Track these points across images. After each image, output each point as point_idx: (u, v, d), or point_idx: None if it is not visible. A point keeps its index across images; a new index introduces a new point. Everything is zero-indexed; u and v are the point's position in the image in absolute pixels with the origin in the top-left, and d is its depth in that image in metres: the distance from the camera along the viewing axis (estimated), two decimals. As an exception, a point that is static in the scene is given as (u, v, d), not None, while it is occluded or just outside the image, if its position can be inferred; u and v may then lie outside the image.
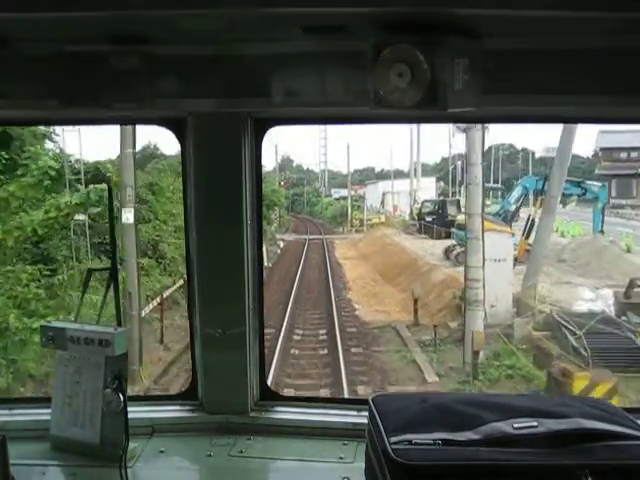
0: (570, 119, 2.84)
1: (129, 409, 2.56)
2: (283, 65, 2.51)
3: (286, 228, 54.48)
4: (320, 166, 73.57)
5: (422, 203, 39.21)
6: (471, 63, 2.15)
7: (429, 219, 35.27)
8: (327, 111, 2.82)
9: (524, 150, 65.88)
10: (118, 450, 2.51)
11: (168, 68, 2.48)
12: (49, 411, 2.76)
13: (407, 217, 43.80)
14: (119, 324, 2.78)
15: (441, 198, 41.94)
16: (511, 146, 65.40)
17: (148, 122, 3.10)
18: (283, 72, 2.53)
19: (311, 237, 46.14)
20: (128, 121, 2.86)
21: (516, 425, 2.06)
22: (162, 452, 2.74)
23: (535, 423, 2.07)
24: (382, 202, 54.31)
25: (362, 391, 14.11)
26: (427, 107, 2.10)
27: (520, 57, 2.35)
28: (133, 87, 2.37)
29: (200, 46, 2.43)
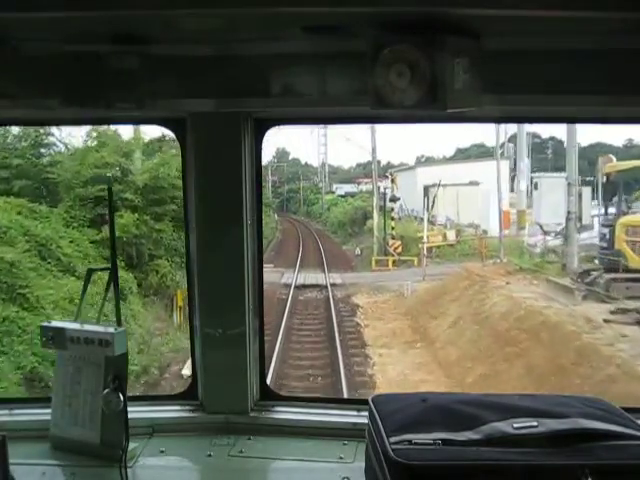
0: (570, 119, 2.84)
1: (129, 409, 2.56)
2: (283, 65, 2.51)
3: (267, 243, 35.73)
4: (320, 158, 67.19)
5: None
6: (471, 63, 2.16)
7: None
8: (327, 111, 2.82)
9: (553, 139, 59.57)
10: (118, 450, 2.51)
11: (168, 68, 2.48)
12: (49, 411, 2.76)
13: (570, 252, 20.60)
14: (119, 324, 2.78)
15: None
16: (536, 135, 53.63)
17: (148, 122, 3.11)
18: (283, 72, 2.53)
19: (300, 283, 24.79)
20: (128, 121, 2.86)
21: (516, 425, 2.06)
22: (162, 452, 2.74)
23: (535, 423, 2.07)
24: (430, 203, 31.22)
25: None
26: (427, 107, 2.10)
27: (520, 57, 2.35)
28: (133, 87, 2.37)
29: (200, 46, 2.43)
